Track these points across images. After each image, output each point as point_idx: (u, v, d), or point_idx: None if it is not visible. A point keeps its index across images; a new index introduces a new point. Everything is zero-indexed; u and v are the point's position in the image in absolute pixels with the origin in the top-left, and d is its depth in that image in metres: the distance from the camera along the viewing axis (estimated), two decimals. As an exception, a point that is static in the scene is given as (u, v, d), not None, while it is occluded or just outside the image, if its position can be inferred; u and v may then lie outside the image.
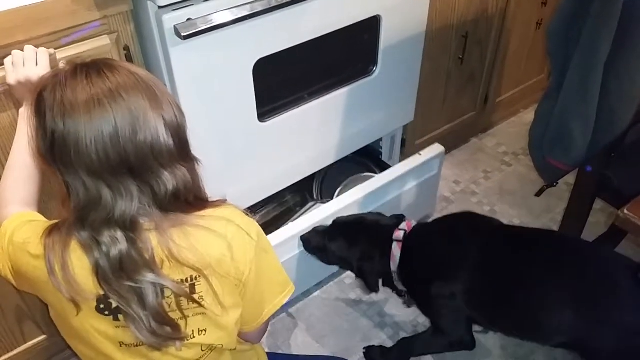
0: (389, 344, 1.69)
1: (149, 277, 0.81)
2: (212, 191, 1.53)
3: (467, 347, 1.48)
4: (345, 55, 1.70)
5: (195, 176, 0.88)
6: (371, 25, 1.61)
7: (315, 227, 1.62)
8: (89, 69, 0.78)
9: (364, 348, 1.66)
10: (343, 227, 1.59)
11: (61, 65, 1.03)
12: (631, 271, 1.25)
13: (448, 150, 2.43)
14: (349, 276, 1.90)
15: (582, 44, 1.22)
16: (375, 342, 1.70)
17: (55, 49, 1.10)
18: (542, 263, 1.32)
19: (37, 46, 1.04)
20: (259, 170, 1.61)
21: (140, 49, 1.30)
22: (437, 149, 1.89)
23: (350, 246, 1.54)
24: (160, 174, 0.80)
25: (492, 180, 2.33)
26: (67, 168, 0.78)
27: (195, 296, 0.87)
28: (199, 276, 0.86)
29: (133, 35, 1.27)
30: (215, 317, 0.90)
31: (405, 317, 1.77)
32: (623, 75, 1.23)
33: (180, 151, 0.83)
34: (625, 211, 1.26)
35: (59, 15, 1.13)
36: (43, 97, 0.77)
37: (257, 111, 1.48)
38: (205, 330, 0.91)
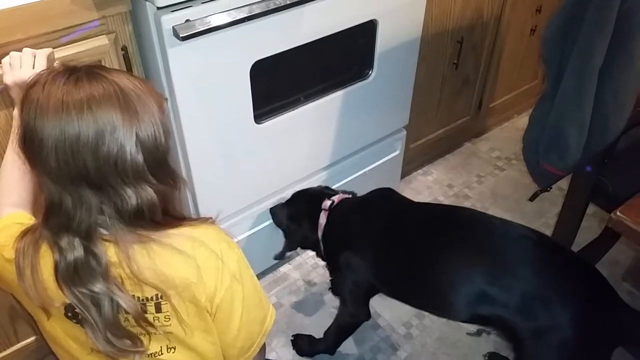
0: (382, 345, 1.70)
1: (100, 288, 0.80)
2: (207, 192, 1.53)
3: (363, 319, 1.55)
4: (341, 58, 1.71)
5: (169, 197, 0.86)
6: (367, 30, 1.62)
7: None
8: (71, 75, 0.77)
9: (292, 336, 1.70)
10: (292, 197, 1.68)
11: (56, 65, 1.03)
12: (532, 241, 1.27)
13: (442, 155, 2.46)
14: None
15: (577, 50, 1.24)
16: (369, 344, 1.70)
17: (54, 48, 1.10)
18: (445, 237, 1.34)
19: (35, 45, 1.04)
20: (254, 171, 1.62)
21: (138, 50, 1.31)
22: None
23: (288, 211, 1.64)
24: (122, 191, 0.79)
25: (485, 184, 2.34)
26: (36, 168, 0.79)
27: (161, 315, 0.86)
28: (164, 295, 0.84)
29: (131, 35, 1.27)
30: (183, 337, 0.89)
31: (398, 317, 1.78)
32: (617, 81, 1.25)
33: (152, 170, 0.81)
34: (618, 213, 1.27)
35: (58, 15, 1.14)
36: (28, 93, 0.78)
37: (254, 113, 1.49)
38: (174, 349, 0.91)
